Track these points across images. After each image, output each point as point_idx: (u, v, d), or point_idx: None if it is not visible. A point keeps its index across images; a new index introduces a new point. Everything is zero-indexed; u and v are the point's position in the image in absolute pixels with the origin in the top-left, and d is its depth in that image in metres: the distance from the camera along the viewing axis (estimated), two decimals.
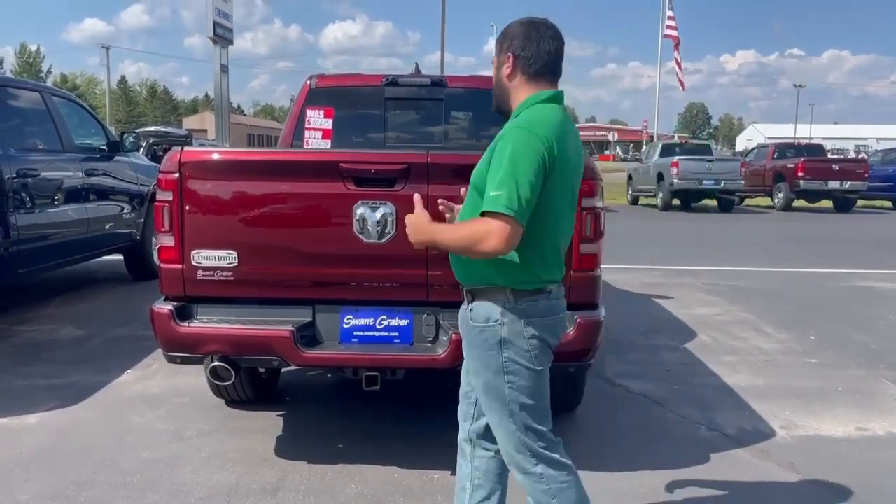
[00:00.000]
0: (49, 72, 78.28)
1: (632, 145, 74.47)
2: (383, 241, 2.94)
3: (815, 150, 21.59)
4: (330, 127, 4.62)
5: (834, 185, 18.28)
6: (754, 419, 3.92)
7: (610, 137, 78.69)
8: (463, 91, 4.94)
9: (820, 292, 7.66)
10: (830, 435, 3.74)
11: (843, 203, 19.00)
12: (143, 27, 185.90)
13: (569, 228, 2.16)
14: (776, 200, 19.37)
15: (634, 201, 20.88)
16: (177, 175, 2.97)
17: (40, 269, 5.73)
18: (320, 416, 3.90)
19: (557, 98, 2.11)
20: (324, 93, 4.74)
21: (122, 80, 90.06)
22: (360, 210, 2.92)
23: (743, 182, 18.06)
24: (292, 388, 4.25)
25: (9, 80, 7.00)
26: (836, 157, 27.48)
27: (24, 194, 5.24)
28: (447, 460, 3.29)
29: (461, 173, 3.01)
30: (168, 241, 2.99)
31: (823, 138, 51.89)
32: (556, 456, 2.14)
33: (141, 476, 3.12)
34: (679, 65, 29.80)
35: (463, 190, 2.19)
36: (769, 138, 62.46)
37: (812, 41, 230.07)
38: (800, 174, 18.35)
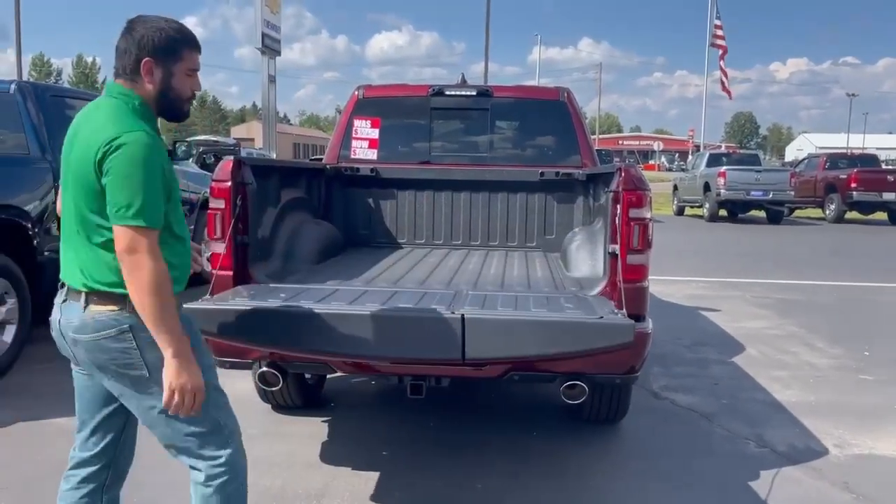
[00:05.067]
0: (104, 82, 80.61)
1: (677, 155, 73.46)
2: None
3: (868, 160, 21.02)
4: (376, 137, 4.68)
5: (889, 196, 17.76)
6: (806, 436, 3.82)
7: (655, 147, 77.76)
8: (508, 101, 4.95)
9: (874, 307, 7.44)
10: (886, 454, 3.62)
11: None
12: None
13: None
14: (828, 212, 18.90)
15: (680, 212, 20.59)
16: (230, 184, 3.05)
17: None
18: (364, 424, 3.93)
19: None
20: (371, 103, 4.80)
21: None
22: None
23: (793, 193, 17.63)
24: (337, 395, 4.29)
25: (68, 90, 7.24)
26: (890, 167, 26.68)
27: None
28: (490, 469, 3.30)
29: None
30: (220, 248, 3.06)
31: (877, 149, 50.42)
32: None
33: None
34: (725, 74, 29.37)
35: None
36: (820, 148, 60.99)
37: (867, 49, 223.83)
38: (853, 185, 17.88)
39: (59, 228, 2.10)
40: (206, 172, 8.06)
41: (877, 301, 7.78)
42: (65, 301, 2.00)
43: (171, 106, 2.03)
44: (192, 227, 7.26)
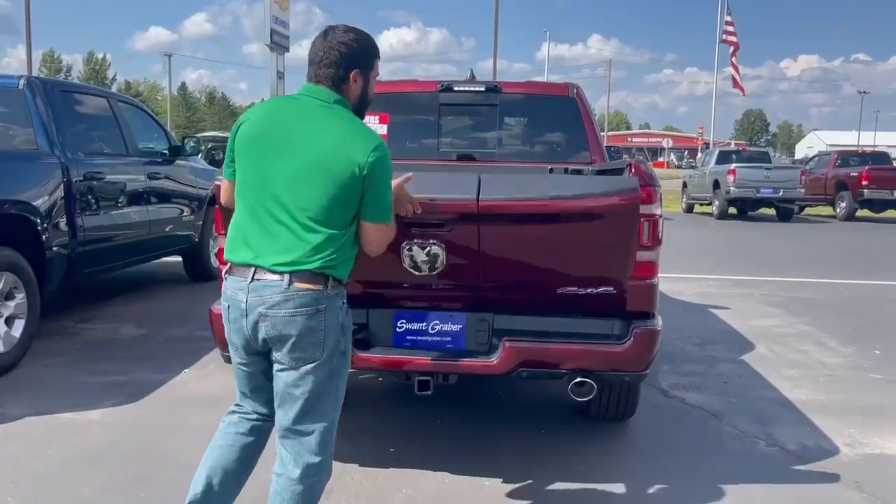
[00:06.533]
0: (114, 79, 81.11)
1: (686, 152, 73.16)
2: (433, 273, 2.86)
3: (880, 158, 20.84)
4: (385, 133, 4.66)
5: None
6: (816, 435, 3.79)
7: (664, 144, 77.48)
8: (517, 97, 4.93)
9: (886, 306, 7.38)
10: None
11: None
12: (205, 35, 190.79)
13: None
14: (838, 210, 18.79)
15: (689, 209, 20.52)
16: None
17: (104, 269, 5.91)
18: (372, 420, 3.91)
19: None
20: (379, 99, 4.75)
21: (183, 87, 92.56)
22: (410, 250, 2.83)
23: (803, 191, 17.54)
24: (345, 392, 4.28)
25: (77, 86, 7.24)
26: None
27: (89, 197, 5.42)
28: (498, 466, 3.29)
29: (512, 217, 2.79)
30: None
31: (888, 146, 50.07)
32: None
33: None
34: (737, 70, 29.20)
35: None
36: (831, 146, 60.68)
37: (879, 46, 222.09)
38: (864, 183, 17.77)
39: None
40: (214, 168, 8.07)
41: (888, 299, 7.72)
42: (253, 281, 2.11)
43: (361, 107, 2.30)
44: (201, 223, 7.28)
